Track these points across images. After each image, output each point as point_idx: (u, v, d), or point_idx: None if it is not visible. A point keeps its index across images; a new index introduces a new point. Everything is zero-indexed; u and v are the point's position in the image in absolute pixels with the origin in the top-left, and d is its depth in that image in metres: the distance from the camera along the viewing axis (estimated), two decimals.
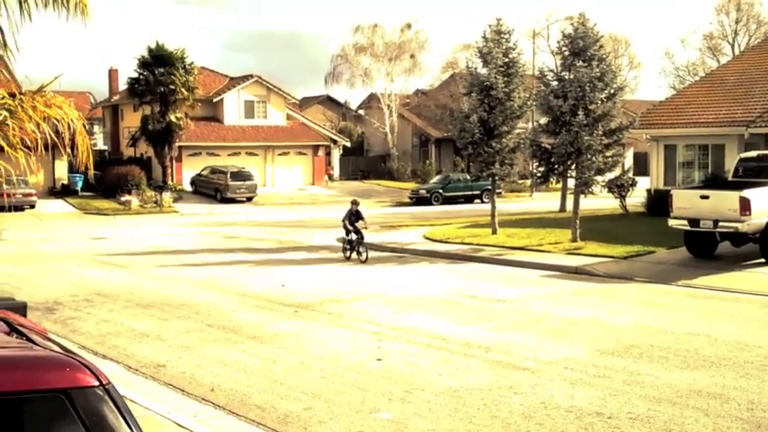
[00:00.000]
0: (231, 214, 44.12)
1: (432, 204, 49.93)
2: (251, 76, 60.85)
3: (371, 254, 25.89)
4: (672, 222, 21.37)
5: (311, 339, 13.87)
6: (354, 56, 70.11)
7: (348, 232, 24.34)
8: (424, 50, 70.76)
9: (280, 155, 60.29)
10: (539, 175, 27.26)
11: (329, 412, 9.91)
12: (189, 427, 9.39)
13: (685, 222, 20.97)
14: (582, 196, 25.98)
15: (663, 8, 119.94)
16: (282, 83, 67.14)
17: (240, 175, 51.72)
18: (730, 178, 23.60)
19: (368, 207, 49.00)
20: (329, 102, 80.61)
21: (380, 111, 69.22)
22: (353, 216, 24.32)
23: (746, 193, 19.89)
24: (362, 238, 24.25)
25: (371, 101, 72.94)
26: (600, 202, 37.53)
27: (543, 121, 27.05)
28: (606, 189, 33.04)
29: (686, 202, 21.17)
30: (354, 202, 25.10)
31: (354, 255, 24.27)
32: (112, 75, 66.50)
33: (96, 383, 3.80)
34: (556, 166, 25.95)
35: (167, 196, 47.72)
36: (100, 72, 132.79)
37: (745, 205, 19.67)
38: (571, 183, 27.14)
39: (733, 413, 9.52)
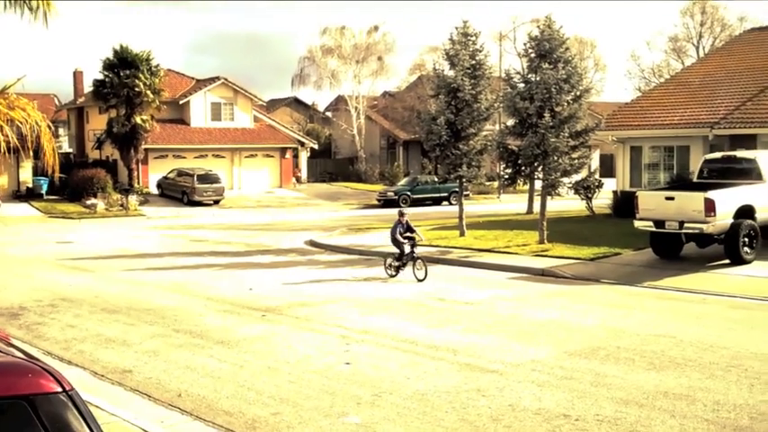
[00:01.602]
0: (198, 217, 43.88)
1: (399, 207, 49.84)
2: (218, 77, 60.57)
3: (339, 257, 25.88)
4: (637, 224, 21.53)
5: (279, 343, 13.82)
6: (322, 58, 70.02)
7: (400, 245, 20.77)
8: (392, 53, 70.83)
9: (247, 157, 60.04)
10: (506, 176, 27.36)
11: (297, 417, 9.88)
12: None
13: (651, 224, 21.14)
14: (549, 198, 26.11)
15: (628, 11, 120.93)
16: (249, 85, 67.17)
17: (207, 178, 51.43)
18: (695, 180, 23.82)
19: (335, 209, 49.11)
20: (296, 104, 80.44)
21: (348, 113, 69.20)
22: (403, 228, 21.02)
23: (711, 194, 20.08)
24: (416, 253, 20.85)
25: (339, 103, 72.89)
26: (566, 203, 37.74)
27: (510, 123, 27.12)
28: (573, 191, 33.32)
29: (652, 203, 21.34)
30: (401, 213, 21.74)
31: (401, 274, 20.70)
32: (77, 77, 65.86)
33: (59, 389, 3.76)
34: (523, 168, 26.04)
35: (133, 199, 47.34)
36: (65, 74, 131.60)
37: (709, 206, 19.85)
38: (538, 184, 27.24)
39: (699, 414, 9.59)
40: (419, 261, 20.44)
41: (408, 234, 20.98)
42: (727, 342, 13.13)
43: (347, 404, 10.34)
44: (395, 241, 20.92)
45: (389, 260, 21.09)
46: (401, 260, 20.71)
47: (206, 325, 15.43)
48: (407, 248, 20.73)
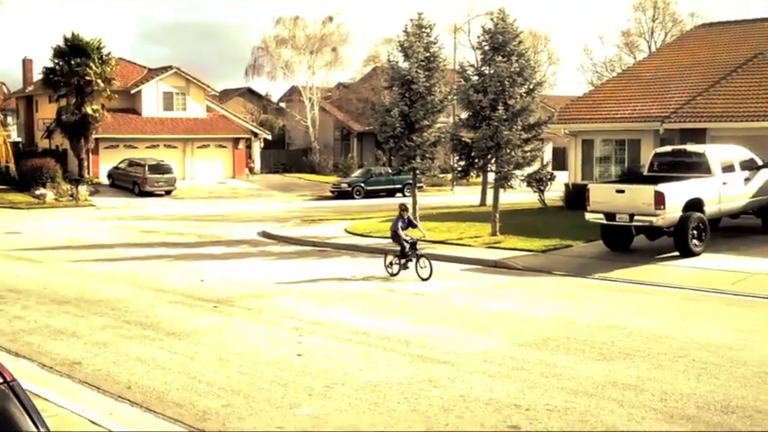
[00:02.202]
0: (149, 208, 43.47)
1: (353, 198, 49.94)
2: (170, 67, 60.00)
3: (292, 248, 25.79)
4: (589, 216, 21.71)
5: (231, 335, 13.74)
6: (276, 48, 69.67)
7: (402, 242, 19.35)
8: (346, 44, 70.73)
9: (199, 147, 59.60)
10: (459, 169, 27.43)
11: (249, 408, 9.83)
12: (105, 426, 9.22)
13: (602, 216, 21.32)
14: (501, 190, 26.24)
15: (582, 5, 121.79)
16: (202, 74, 66.37)
17: (159, 168, 50.99)
18: (645, 173, 24.09)
19: (289, 201, 48.95)
20: (250, 94, 79.94)
21: (302, 104, 68.93)
22: (404, 223, 19.74)
23: (661, 187, 20.31)
24: (418, 250, 19.52)
25: (293, 94, 72.59)
26: (519, 196, 37.97)
27: (464, 115, 27.19)
28: (525, 183, 33.49)
29: (603, 196, 21.53)
30: (403, 208, 20.15)
31: (403, 271, 19.34)
32: (27, 64, 64.77)
33: (0, 381, 3.69)
34: (476, 161, 26.13)
35: (83, 189, 46.75)
36: (13, 62, 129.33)
37: (659, 199, 20.08)
38: (491, 177, 27.37)
39: (647, 403, 9.72)
40: (423, 259, 19.06)
41: (408, 234, 19.65)
42: (676, 333, 13.31)
43: (299, 395, 10.31)
44: (395, 237, 19.58)
45: (390, 258, 19.77)
46: (404, 258, 19.40)
47: (157, 316, 15.29)
48: (408, 246, 19.33)
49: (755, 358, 11.59)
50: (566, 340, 12.84)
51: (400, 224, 19.64)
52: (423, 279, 18.65)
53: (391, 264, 19.64)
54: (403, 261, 19.44)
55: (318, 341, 13.19)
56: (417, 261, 19.11)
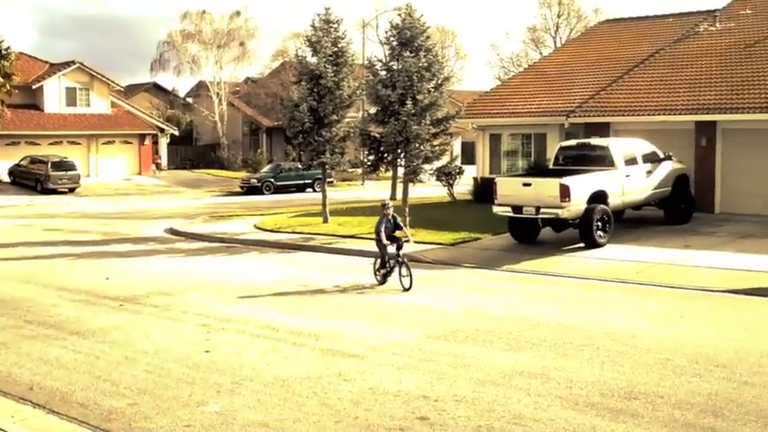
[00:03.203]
0: (53, 206, 42.40)
1: (263, 194, 49.56)
2: (73, 62, 58.63)
3: (200, 244, 25.46)
4: (496, 209, 21.95)
5: (137, 333, 13.48)
6: (182, 43, 68.74)
7: (384, 247, 17.15)
8: (254, 38, 70.19)
9: (104, 144, 58.43)
10: (369, 163, 27.49)
11: (155, 407, 9.66)
12: (6, 429, 8.94)
13: (509, 209, 21.58)
14: (411, 184, 26.38)
15: (489, 1, 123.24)
16: (107, 70, 64.98)
17: (62, 165, 49.83)
18: (551, 166, 24.47)
19: (197, 197, 48.35)
20: (156, 89, 78.67)
21: (210, 99, 68.13)
22: (390, 224, 17.35)
23: (566, 180, 20.66)
24: (403, 255, 17.19)
25: (200, 89, 71.71)
26: (429, 190, 38.20)
27: (373, 110, 27.23)
28: (434, 177, 33.68)
29: (510, 189, 21.79)
30: (385, 206, 17.51)
31: (391, 278, 17.22)
32: None
33: None
34: (385, 155, 26.22)
35: None
36: None
37: (564, 192, 20.43)
38: (401, 171, 27.47)
39: (553, 392, 9.87)
40: (404, 266, 16.84)
41: (394, 232, 17.41)
42: (581, 322, 13.56)
43: (207, 393, 10.18)
44: (378, 241, 17.23)
45: (378, 263, 17.65)
46: (386, 265, 17.30)
47: (60, 316, 14.92)
48: (392, 249, 17.14)
49: (658, 345, 11.88)
50: (474, 332, 12.96)
51: (384, 226, 17.15)
52: (405, 289, 16.55)
53: (378, 271, 17.52)
54: (383, 272, 17.36)
55: (227, 337, 13.05)
56: (400, 268, 16.89)
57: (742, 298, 15.54)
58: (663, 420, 8.84)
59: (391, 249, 17.22)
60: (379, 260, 17.63)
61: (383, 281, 17.33)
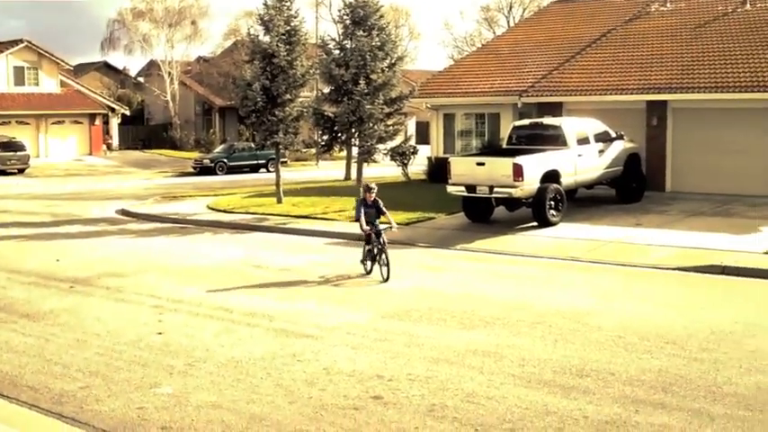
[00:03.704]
0: (1, 187, 41.66)
1: (216, 174, 49.19)
2: (20, 40, 57.56)
3: (152, 225, 25.22)
4: (450, 189, 22.01)
5: (88, 315, 13.33)
6: (132, 21, 67.82)
7: (369, 235, 15.79)
8: (206, 17, 69.59)
9: (54, 124, 57.57)
10: (322, 143, 27.43)
11: (107, 390, 9.56)
12: None
13: (463, 188, 21.65)
14: (365, 164, 26.40)
15: None
16: (56, 48, 64.12)
17: (10, 146, 49.05)
18: (504, 146, 24.57)
19: (149, 177, 47.86)
20: (106, 69, 77.53)
21: (161, 78, 67.34)
22: (371, 208, 16.06)
23: (519, 159, 20.76)
24: (384, 243, 15.71)
25: (152, 68, 70.84)
26: (383, 170, 38.21)
27: (326, 90, 27.14)
28: (389, 157, 33.74)
29: (463, 168, 21.85)
30: (367, 188, 16.34)
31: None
32: None
33: None
34: (339, 135, 26.20)
35: None
36: None
37: (518, 171, 20.52)
38: (355, 151, 27.44)
39: (506, 370, 9.94)
40: (383, 255, 15.55)
41: (378, 218, 16.06)
42: (534, 300, 13.67)
43: (159, 375, 10.10)
44: (360, 224, 15.92)
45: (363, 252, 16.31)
46: (371, 253, 15.86)
47: (9, 298, 14.70)
48: (375, 238, 15.76)
49: (610, 323, 12.01)
50: (428, 311, 13.00)
51: (364, 211, 15.93)
52: (383, 280, 15.37)
53: (364, 258, 16.12)
54: (370, 258, 15.96)
55: (180, 319, 12.95)
56: (380, 257, 15.69)
57: (692, 275, 15.76)
58: (614, 397, 8.94)
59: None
60: (366, 251, 16.05)
61: (370, 270, 15.91)
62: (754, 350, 10.50)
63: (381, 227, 15.86)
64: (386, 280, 15.33)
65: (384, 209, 16.12)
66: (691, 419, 8.25)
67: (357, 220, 16.14)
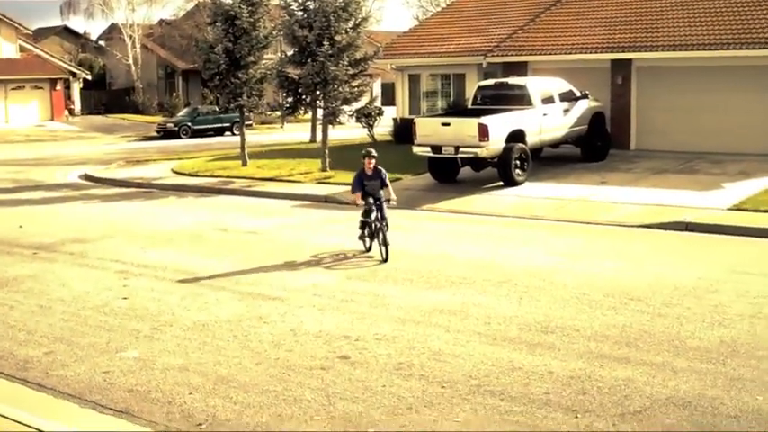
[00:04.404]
0: None
1: (180, 138, 48.76)
2: None
3: (115, 190, 25.00)
4: (416, 150, 21.98)
5: (52, 281, 13.21)
6: None
7: (368, 209, 13.99)
8: None
9: (14, 89, 56.69)
10: (287, 106, 27.18)
11: (72, 355, 9.50)
12: None
13: (429, 149, 21.62)
14: (331, 126, 26.20)
15: None
16: (14, 12, 62.89)
17: None
18: (470, 106, 24.53)
19: (112, 142, 47.36)
20: (67, 33, 76.23)
21: (123, 42, 66.37)
22: (372, 179, 14.10)
23: (484, 119, 20.74)
24: (383, 219, 13.90)
25: (113, 32, 69.82)
26: (350, 132, 38.06)
27: (290, 51, 26.87)
28: (355, 119, 33.56)
29: (429, 129, 21.81)
30: (368, 154, 14.13)
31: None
32: None
33: None
34: (303, 97, 25.97)
35: None
36: None
37: (483, 131, 20.52)
38: (320, 113, 27.27)
39: (472, 328, 9.99)
40: (381, 232, 13.80)
41: (381, 190, 14.20)
42: (500, 259, 13.73)
43: (125, 339, 10.05)
44: (358, 196, 14.16)
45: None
46: (369, 228, 14.08)
47: None
48: (374, 213, 13.91)
49: (574, 281, 12.10)
50: (394, 271, 13.01)
51: (363, 182, 14.06)
52: (382, 260, 13.68)
53: (363, 234, 14.36)
54: (368, 233, 14.16)
55: (145, 283, 12.87)
56: (378, 233, 13.94)
57: (656, 232, 15.90)
58: (578, 352, 9.03)
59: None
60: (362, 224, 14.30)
61: (369, 247, 14.24)
62: (716, 305, 10.63)
63: (384, 202, 14.04)
64: (385, 260, 13.53)
65: (387, 180, 14.13)
66: (654, 373, 8.35)
67: (353, 190, 14.16)
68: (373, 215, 13.88)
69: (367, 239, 14.28)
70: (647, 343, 9.26)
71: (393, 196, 14.23)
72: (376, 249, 14.07)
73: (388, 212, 14.10)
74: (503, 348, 9.23)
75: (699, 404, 7.57)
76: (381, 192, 14.09)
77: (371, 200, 13.94)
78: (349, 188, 14.88)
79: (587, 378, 8.28)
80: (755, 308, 10.44)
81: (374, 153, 14.17)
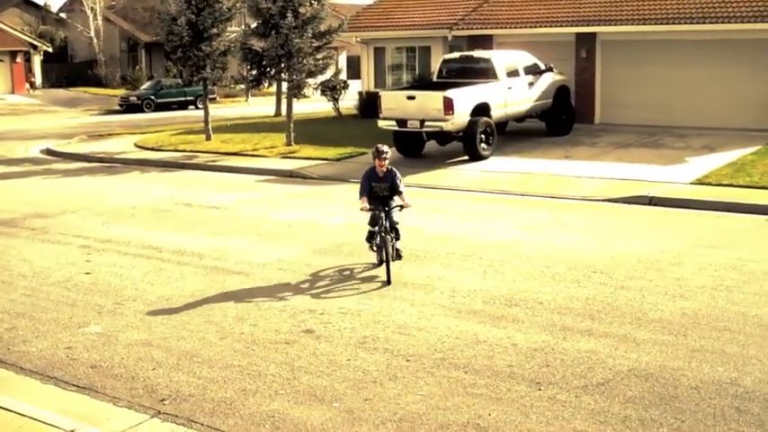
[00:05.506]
0: None
1: (143, 111, 48.19)
2: None
3: (77, 165, 24.73)
4: (381, 123, 21.92)
5: (14, 257, 13.06)
6: None
7: (377, 214, 11.37)
8: None
9: None
10: (251, 78, 26.97)
11: (34, 330, 9.42)
12: None
13: (394, 123, 21.58)
14: (296, 100, 26.04)
15: None
16: None
17: None
18: (435, 80, 24.49)
19: (74, 116, 46.78)
20: (27, 5, 74.86)
21: (84, 14, 65.41)
22: (382, 180, 11.57)
23: (450, 93, 20.72)
24: (390, 230, 11.29)
25: (74, 3, 68.77)
26: (315, 105, 37.90)
27: (253, 24, 26.64)
28: (319, 92, 33.40)
29: (394, 103, 21.75)
30: (379, 152, 11.35)
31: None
32: None
33: None
34: (268, 70, 25.77)
35: None
36: None
37: (448, 105, 20.49)
38: (285, 86, 27.09)
39: (436, 301, 10.02)
40: (390, 239, 11.25)
41: (393, 197, 11.63)
42: (465, 233, 13.76)
43: (88, 314, 9.97)
44: (364, 199, 11.56)
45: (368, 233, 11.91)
46: (377, 235, 11.45)
47: None
48: (384, 221, 11.28)
49: (538, 254, 12.16)
50: (359, 245, 12.94)
51: (371, 184, 11.58)
52: (386, 282, 10.98)
53: (371, 243, 11.80)
54: (376, 241, 11.55)
55: (108, 258, 12.76)
56: (385, 245, 11.23)
57: (620, 206, 16.00)
58: (542, 325, 9.08)
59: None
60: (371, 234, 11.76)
61: (380, 261, 11.59)
62: (678, 278, 10.74)
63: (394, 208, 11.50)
64: (388, 282, 10.91)
65: (401, 185, 11.59)
66: (617, 345, 8.43)
67: (362, 193, 11.61)
68: (380, 226, 11.36)
69: (376, 252, 11.76)
70: (609, 315, 9.33)
71: (409, 203, 11.57)
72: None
73: (398, 216, 11.55)
74: (467, 321, 9.27)
75: (660, 375, 7.65)
76: (395, 198, 11.61)
77: (380, 206, 11.43)
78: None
79: (551, 350, 8.33)
80: (717, 280, 10.56)
81: (386, 150, 11.47)
